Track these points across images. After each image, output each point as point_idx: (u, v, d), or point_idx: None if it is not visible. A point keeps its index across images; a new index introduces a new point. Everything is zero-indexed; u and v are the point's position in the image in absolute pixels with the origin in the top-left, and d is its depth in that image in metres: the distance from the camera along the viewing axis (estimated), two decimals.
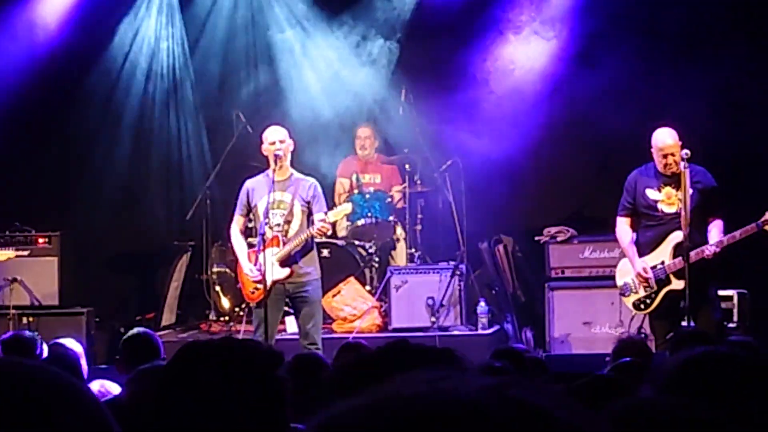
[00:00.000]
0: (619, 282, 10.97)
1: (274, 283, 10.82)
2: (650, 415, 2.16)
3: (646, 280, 10.63)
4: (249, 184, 11.16)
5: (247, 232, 11.36)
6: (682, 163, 10.21)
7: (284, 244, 10.87)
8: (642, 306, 10.77)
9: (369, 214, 13.27)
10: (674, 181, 10.44)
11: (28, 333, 10.54)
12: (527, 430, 1.01)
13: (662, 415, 2.16)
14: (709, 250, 10.24)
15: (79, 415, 1.50)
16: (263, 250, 10.76)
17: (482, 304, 12.80)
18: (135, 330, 8.63)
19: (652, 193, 10.64)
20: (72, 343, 8.86)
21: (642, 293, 10.73)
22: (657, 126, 10.59)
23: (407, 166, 13.73)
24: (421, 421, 1.01)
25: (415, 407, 1.03)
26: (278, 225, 10.90)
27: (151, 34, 15.08)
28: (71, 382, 1.54)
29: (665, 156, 10.44)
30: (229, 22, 15.01)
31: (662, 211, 10.59)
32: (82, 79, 14.61)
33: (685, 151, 10.23)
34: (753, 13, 13.30)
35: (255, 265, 10.91)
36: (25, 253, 13.27)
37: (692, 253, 10.15)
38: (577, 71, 13.52)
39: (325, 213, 10.88)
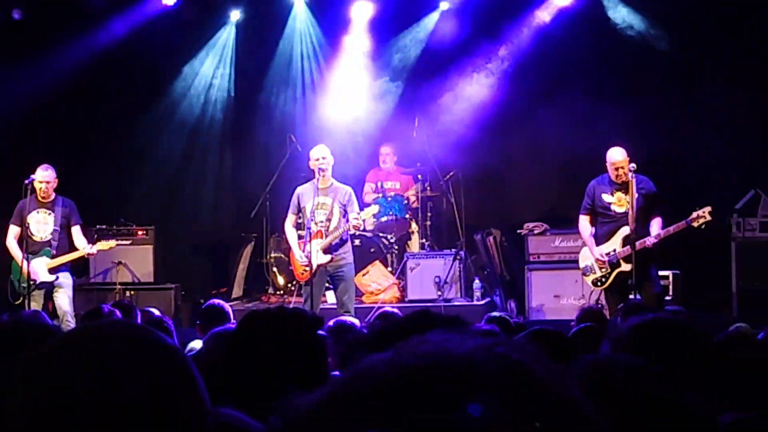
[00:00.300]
0: (581, 265, 11.04)
1: (318, 266, 10.85)
2: (609, 369, 2.17)
3: (603, 263, 10.74)
4: (299, 190, 11.20)
5: (297, 227, 11.38)
6: (630, 174, 10.31)
7: (326, 236, 10.91)
8: (599, 283, 10.85)
9: (390, 213, 13.30)
10: (624, 188, 10.49)
11: (126, 301, 10.65)
12: (508, 378, 1.05)
13: (619, 369, 2.17)
14: (649, 241, 10.33)
15: (173, 366, 1.53)
16: (310, 241, 10.81)
17: (477, 281, 12.83)
18: (211, 301, 8.66)
19: (606, 197, 10.69)
20: (155, 311, 8.95)
21: (599, 273, 10.80)
22: (610, 146, 10.66)
23: (419, 176, 13.71)
24: (427, 370, 1.06)
25: (425, 360, 1.07)
26: (321, 222, 10.93)
27: (209, 72, 15.06)
28: (167, 341, 1.58)
29: (616, 169, 10.51)
30: (284, 63, 15.07)
31: (614, 211, 10.65)
32: (167, 103, 14.65)
33: (632, 164, 10.33)
34: (677, 61, 13.31)
35: (304, 252, 10.98)
36: (128, 242, 13.37)
37: (637, 243, 10.24)
38: (545, 104, 13.49)
39: (358, 213, 10.97)
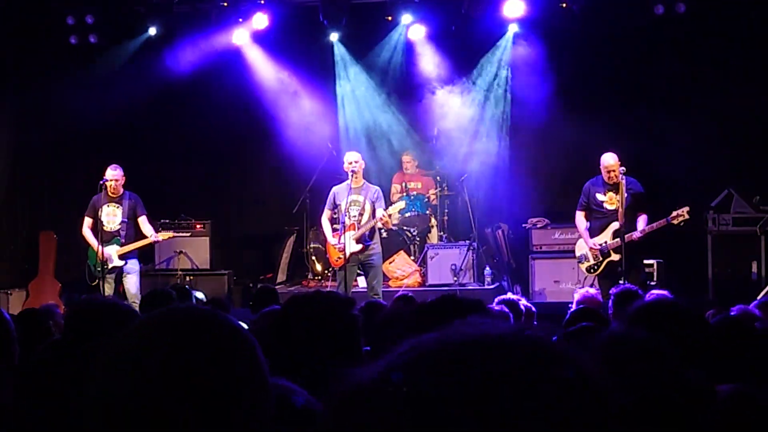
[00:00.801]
0: (577, 254, 11.14)
1: (351, 254, 10.91)
2: (627, 341, 2.21)
3: (595, 253, 10.75)
4: (335, 189, 11.26)
5: (332, 221, 11.39)
6: (620, 176, 10.35)
7: (358, 228, 10.97)
8: (592, 270, 10.91)
9: (413, 210, 13.30)
10: (614, 188, 10.56)
11: (180, 286, 10.71)
12: (536, 356, 1.07)
13: (634, 341, 2.22)
14: (635, 235, 10.44)
15: (244, 347, 1.53)
16: (344, 232, 10.88)
17: (487, 268, 12.81)
18: (261, 285, 8.72)
19: (600, 196, 10.74)
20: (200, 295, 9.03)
21: (592, 261, 10.88)
22: (602, 152, 10.68)
23: (438, 177, 13.76)
24: (471, 348, 1.07)
25: (468, 339, 1.09)
26: (354, 216, 10.99)
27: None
28: (237, 324, 1.58)
29: (609, 171, 10.58)
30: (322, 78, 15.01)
31: (606, 209, 10.71)
32: (224, 115, 14.69)
33: (622, 168, 10.36)
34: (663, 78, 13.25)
35: (339, 242, 11.03)
36: (188, 234, 13.43)
37: (626, 237, 10.31)
38: (548, 118, 13.46)
39: (386, 209, 11.01)
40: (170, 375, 1.42)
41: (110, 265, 11.28)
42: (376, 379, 1.10)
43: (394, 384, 1.07)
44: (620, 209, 10.43)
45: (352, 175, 11.01)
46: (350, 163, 11.04)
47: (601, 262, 10.79)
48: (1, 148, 13.75)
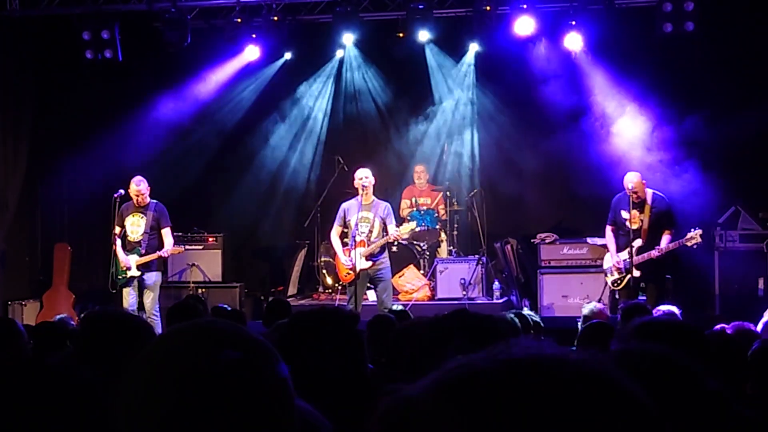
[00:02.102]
0: (605, 266, 11.41)
1: (361, 270, 10.96)
2: (640, 357, 2.22)
3: (618, 269, 10.94)
4: (345, 205, 11.29)
5: (342, 237, 11.44)
6: (648, 193, 10.71)
7: (368, 245, 11.00)
8: (615, 284, 11.15)
9: (423, 224, 13.26)
10: (638, 206, 10.72)
11: (201, 297, 10.76)
12: (595, 380, 1.06)
13: (648, 357, 2.23)
14: (653, 254, 10.67)
15: (264, 353, 1.50)
16: (354, 248, 10.92)
17: (496, 283, 12.83)
18: (273, 298, 8.74)
19: (624, 214, 10.93)
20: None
21: (616, 276, 11.05)
22: (616, 169, 10.83)
23: (448, 192, 13.76)
24: (527, 367, 1.07)
25: (522, 359, 1.08)
26: (364, 233, 11.02)
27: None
28: (262, 340, 1.53)
29: (631, 191, 10.68)
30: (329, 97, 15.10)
31: (628, 227, 10.83)
32: (238, 130, 14.78)
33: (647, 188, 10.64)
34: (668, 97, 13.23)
35: (348, 258, 11.06)
36: (200, 247, 13.53)
37: (645, 254, 10.61)
38: (552, 137, 13.48)
39: (398, 227, 11.04)
40: (202, 390, 1.40)
41: (129, 275, 11.32)
42: (427, 396, 1.08)
43: (446, 400, 1.06)
44: (644, 227, 10.68)
45: (362, 191, 11.04)
46: (360, 179, 11.07)
47: (624, 277, 10.94)
48: (17, 161, 13.83)
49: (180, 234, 13.27)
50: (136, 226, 11.44)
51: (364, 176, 11.08)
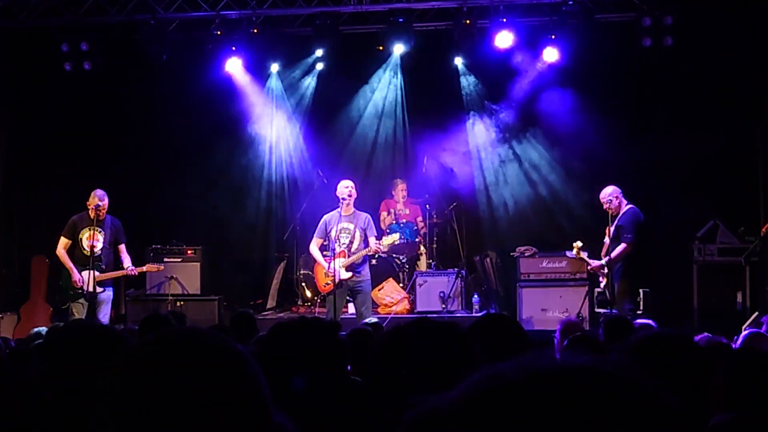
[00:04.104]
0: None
1: (341, 281, 10.87)
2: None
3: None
4: (326, 217, 11.20)
5: (322, 249, 11.34)
6: (625, 207, 10.78)
7: (348, 256, 10.92)
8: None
9: (402, 237, 13.21)
10: (614, 219, 10.76)
11: (178, 311, 10.63)
12: (592, 380, 1.05)
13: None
14: (592, 265, 11.19)
15: (244, 371, 1.49)
16: (334, 259, 10.84)
17: (475, 296, 12.78)
18: (240, 310, 8.59)
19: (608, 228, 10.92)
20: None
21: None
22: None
23: (427, 205, 13.69)
24: (553, 378, 1.05)
25: (550, 370, 1.07)
26: (344, 244, 10.95)
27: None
28: (239, 348, 1.53)
29: (604, 204, 10.70)
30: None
31: (605, 241, 10.96)
32: (216, 142, 14.66)
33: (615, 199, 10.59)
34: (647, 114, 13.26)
35: (329, 269, 10.98)
36: (179, 259, 13.36)
37: (589, 267, 11.32)
38: (531, 152, 13.51)
39: (378, 239, 10.98)
40: (176, 397, 1.41)
41: (86, 290, 11.05)
42: (458, 408, 1.07)
43: (479, 413, 1.04)
44: (606, 240, 10.77)
45: (343, 202, 10.97)
46: (347, 187, 11.02)
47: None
48: None
49: (159, 246, 13.18)
50: (95, 240, 11.14)
51: (349, 186, 11.03)
